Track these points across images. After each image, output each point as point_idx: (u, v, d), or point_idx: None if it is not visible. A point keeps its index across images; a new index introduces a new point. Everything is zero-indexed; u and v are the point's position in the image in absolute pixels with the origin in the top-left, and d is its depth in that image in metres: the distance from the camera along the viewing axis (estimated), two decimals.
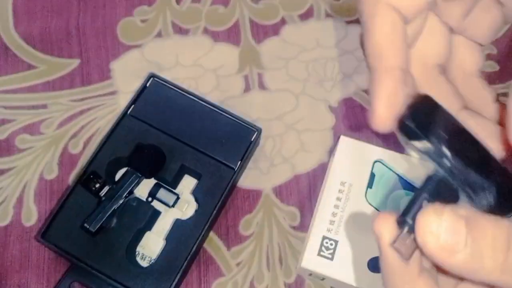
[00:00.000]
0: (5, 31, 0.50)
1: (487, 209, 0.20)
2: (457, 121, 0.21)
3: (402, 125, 0.21)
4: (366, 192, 0.41)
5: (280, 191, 0.46)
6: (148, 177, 0.42)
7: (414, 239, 0.20)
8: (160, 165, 0.42)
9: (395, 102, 0.21)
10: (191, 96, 0.45)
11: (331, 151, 0.47)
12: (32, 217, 0.44)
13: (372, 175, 0.42)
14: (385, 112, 0.21)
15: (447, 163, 0.20)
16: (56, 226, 0.40)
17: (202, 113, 0.45)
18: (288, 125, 0.48)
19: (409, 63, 0.22)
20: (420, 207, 0.20)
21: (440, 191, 0.21)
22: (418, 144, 0.21)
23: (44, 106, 0.47)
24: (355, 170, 0.42)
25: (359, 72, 0.51)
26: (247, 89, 0.49)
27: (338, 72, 0.50)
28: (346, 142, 0.43)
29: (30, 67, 0.49)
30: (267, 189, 0.46)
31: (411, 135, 0.21)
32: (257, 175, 0.46)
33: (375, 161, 0.42)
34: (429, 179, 0.21)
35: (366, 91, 0.50)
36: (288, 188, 0.46)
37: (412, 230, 0.20)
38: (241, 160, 0.43)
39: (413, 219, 0.20)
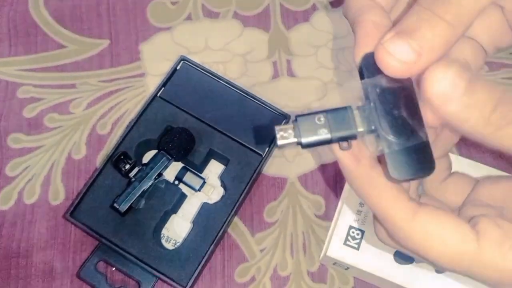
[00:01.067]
0: (35, 9, 0.50)
1: (388, 153, 0.23)
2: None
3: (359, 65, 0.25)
4: None
5: (306, 180, 0.45)
6: (178, 159, 0.42)
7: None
8: (190, 149, 0.42)
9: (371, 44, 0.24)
10: (220, 81, 0.45)
11: None
12: (59, 196, 0.44)
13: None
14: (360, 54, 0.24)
15: (375, 100, 0.24)
16: (85, 205, 0.41)
17: (231, 98, 0.45)
18: None
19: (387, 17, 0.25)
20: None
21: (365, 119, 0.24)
22: (363, 83, 0.25)
23: (73, 86, 0.47)
24: None
25: None
26: (275, 75, 0.49)
27: None
28: None
29: (59, 46, 0.49)
30: (293, 177, 0.46)
31: (360, 75, 0.25)
32: (282, 163, 0.46)
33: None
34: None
35: None
36: (314, 177, 0.46)
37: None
38: (269, 147, 0.43)
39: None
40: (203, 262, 0.40)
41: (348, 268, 0.41)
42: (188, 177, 0.43)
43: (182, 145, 0.42)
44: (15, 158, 0.45)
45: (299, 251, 0.43)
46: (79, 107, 0.47)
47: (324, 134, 0.25)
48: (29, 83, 0.48)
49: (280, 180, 0.45)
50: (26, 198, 0.44)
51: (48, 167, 0.45)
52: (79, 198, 0.41)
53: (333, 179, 0.45)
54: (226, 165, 0.44)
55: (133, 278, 0.40)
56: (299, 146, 0.25)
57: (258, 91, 0.47)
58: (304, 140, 0.25)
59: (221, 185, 0.44)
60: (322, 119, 0.25)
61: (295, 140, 0.25)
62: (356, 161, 0.24)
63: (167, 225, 0.42)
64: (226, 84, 0.45)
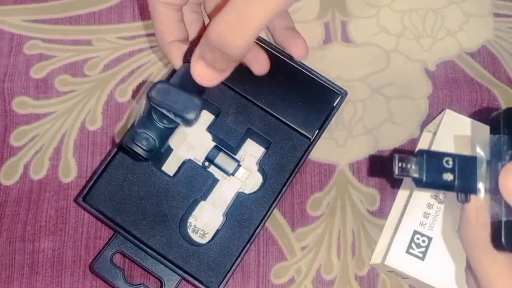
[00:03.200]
0: None
1: (506, 222, 0.24)
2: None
3: None
4: None
5: (359, 168, 0.38)
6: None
7: None
8: None
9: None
10: (262, 44, 0.37)
11: (424, 126, 0.39)
12: (70, 172, 0.38)
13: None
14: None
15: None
16: (100, 188, 0.35)
17: (276, 68, 0.37)
18: (374, 88, 0.40)
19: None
20: None
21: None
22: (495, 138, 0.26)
23: (88, 42, 0.40)
24: (460, 152, 0.34)
25: (466, 30, 0.41)
26: (327, 40, 0.41)
27: (440, 28, 0.41)
28: (451, 118, 0.35)
29: None
30: (342, 164, 0.39)
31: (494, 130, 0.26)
32: (331, 147, 0.39)
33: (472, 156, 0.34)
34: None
35: (472, 54, 0.41)
36: (369, 165, 0.39)
37: None
38: (319, 129, 0.36)
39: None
40: (237, 263, 0.34)
41: (407, 278, 0.34)
42: (221, 158, 0.37)
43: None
44: (21, 125, 0.39)
45: (347, 251, 0.37)
46: (95, 69, 0.40)
47: (448, 180, 0.24)
48: (37, 37, 0.40)
49: (328, 167, 0.39)
50: (33, 173, 0.38)
51: (59, 138, 0.38)
52: (93, 179, 0.35)
53: (391, 169, 0.38)
54: (266, 148, 0.37)
55: (154, 275, 0.35)
56: (412, 180, 0.24)
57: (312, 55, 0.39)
58: (426, 180, 0.24)
59: (258, 170, 0.37)
60: (451, 163, 0.24)
61: (416, 176, 0.24)
62: (476, 216, 0.25)
63: (195, 213, 0.36)
64: (268, 49, 0.37)
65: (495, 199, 0.24)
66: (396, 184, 0.38)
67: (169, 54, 0.32)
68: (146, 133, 0.31)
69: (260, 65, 0.33)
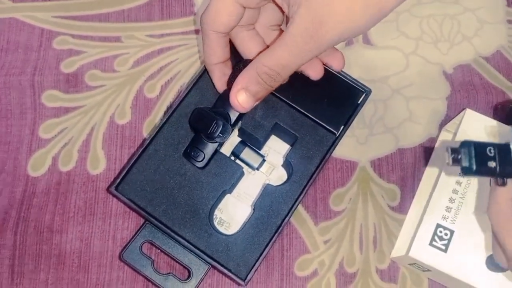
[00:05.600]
0: None
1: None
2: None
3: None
4: None
5: (380, 165, 0.40)
6: None
7: None
8: None
9: (221, 80, 0.36)
10: None
11: (442, 125, 0.41)
12: (99, 164, 0.39)
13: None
14: (221, 85, 0.36)
15: None
16: (132, 178, 0.35)
17: None
18: (394, 89, 0.41)
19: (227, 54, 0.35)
20: None
21: None
22: None
23: (117, 39, 0.41)
24: None
25: (480, 35, 0.43)
26: (349, 42, 0.43)
27: (457, 33, 0.43)
28: (472, 117, 0.37)
29: None
30: (364, 161, 0.40)
31: None
32: (353, 144, 0.40)
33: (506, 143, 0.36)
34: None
35: (487, 59, 0.43)
36: (389, 162, 0.40)
37: None
38: (344, 125, 0.37)
39: None
40: (265, 253, 0.35)
41: (428, 270, 0.35)
42: (247, 153, 0.38)
43: None
44: (51, 118, 0.39)
45: (369, 245, 0.38)
46: (125, 65, 0.41)
47: (492, 167, 0.27)
48: (67, 33, 0.41)
49: (350, 164, 0.40)
50: (62, 164, 0.38)
51: (88, 131, 0.39)
52: (126, 169, 0.35)
53: (411, 167, 0.40)
54: (291, 144, 0.38)
55: (182, 264, 0.35)
56: (460, 170, 0.27)
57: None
58: (475, 167, 0.27)
59: (282, 165, 0.38)
60: (493, 151, 0.27)
61: (466, 165, 0.27)
62: (510, 199, 0.28)
63: (221, 205, 0.37)
64: None
65: None
66: (416, 181, 0.39)
67: (211, 74, 0.35)
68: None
69: (317, 71, 0.35)
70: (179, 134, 0.36)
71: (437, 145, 0.40)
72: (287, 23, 0.34)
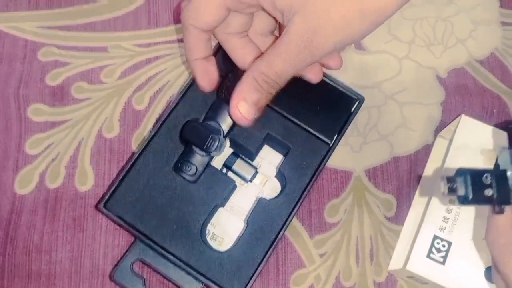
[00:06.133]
0: None
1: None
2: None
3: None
4: None
5: (375, 174, 0.39)
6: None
7: None
8: None
9: (204, 77, 0.33)
10: None
11: (438, 131, 0.40)
12: (87, 180, 0.38)
13: (497, 166, 0.35)
14: (203, 83, 0.33)
15: None
16: (121, 194, 0.34)
17: None
18: (387, 95, 0.41)
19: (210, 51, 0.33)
20: None
21: None
22: None
23: (104, 49, 0.40)
24: (477, 157, 0.35)
25: (474, 38, 0.42)
26: None
27: (450, 35, 0.42)
28: (468, 124, 0.36)
29: (88, 0, 0.41)
30: (359, 171, 0.39)
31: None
32: (347, 153, 0.39)
33: (502, 149, 0.35)
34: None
35: (481, 62, 0.42)
36: (385, 171, 0.39)
37: None
38: (338, 134, 0.36)
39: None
40: (259, 270, 0.34)
41: (427, 283, 0.35)
42: (239, 165, 0.37)
43: None
44: (37, 133, 0.38)
45: (366, 258, 0.37)
46: (112, 76, 0.39)
47: (489, 195, 0.26)
48: (52, 43, 0.40)
49: (344, 174, 0.39)
50: (49, 181, 0.37)
51: (75, 146, 0.38)
52: (114, 185, 0.34)
53: (406, 176, 0.39)
54: (284, 154, 0.37)
55: (174, 282, 0.34)
56: (457, 197, 0.26)
57: None
58: (472, 196, 0.26)
59: (275, 176, 0.37)
60: (490, 178, 0.27)
61: (463, 194, 0.26)
62: (510, 226, 0.27)
63: (213, 220, 0.36)
64: None
65: None
66: (412, 190, 0.39)
67: (193, 70, 0.34)
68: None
69: (316, 74, 0.34)
70: (168, 147, 0.35)
71: (433, 152, 0.39)
72: (280, 31, 0.33)
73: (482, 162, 0.35)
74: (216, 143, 0.34)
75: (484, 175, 0.27)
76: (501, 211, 0.27)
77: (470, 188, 0.26)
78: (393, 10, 0.29)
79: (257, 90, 0.30)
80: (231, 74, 0.35)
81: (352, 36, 0.29)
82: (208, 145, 0.34)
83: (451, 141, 0.36)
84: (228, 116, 0.35)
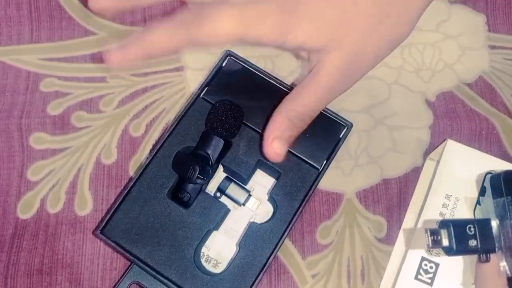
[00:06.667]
0: None
1: None
2: None
3: None
4: (475, 209, 0.35)
5: (365, 197, 0.40)
6: (229, 137, 0.38)
7: None
8: (239, 125, 0.38)
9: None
10: (272, 80, 0.39)
11: (427, 154, 0.41)
12: (86, 205, 0.39)
13: (483, 189, 0.36)
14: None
15: None
16: (117, 220, 0.36)
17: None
18: (377, 119, 0.42)
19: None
20: None
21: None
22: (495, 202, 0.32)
23: (102, 80, 0.42)
24: (463, 182, 0.36)
25: (462, 62, 0.43)
26: None
27: (438, 61, 0.43)
28: (453, 148, 0.37)
29: (87, 33, 0.43)
30: (350, 193, 0.40)
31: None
32: (338, 176, 0.40)
33: (488, 173, 0.36)
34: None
35: (470, 85, 0.43)
36: (375, 193, 0.40)
37: None
38: (327, 160, 0.38)
39: None
40: None
41: None
42: (232, 189, 0.38)
43: (230, 122, 0.37)
44: (38, 160, 0.40)
45: (357, 278, 0.38)
46: (110, 105, 0.41)
47: (473, 245, 0.27)
48: (53, 75, 0.42)
49: (335, 196, 0.40)
50: (50, 206, 0.39)
51: (75, 172, 0.40)
52: (111, 212, 0.36)
53: (396, 198, 0.40)
54: (276, 178, 0.38)
55: None
56: (442, 248, 0.28)
57: None
58: (456, 248, 0.27)
59: (268, 200, 0.38)
60: (473, 229, 0.27)
61: (447, 245, 0.27)
62: (497, 272, 0.27)
63: (208, 243, 0.37)
64: (279, 84, 0.39)
65: (510, 255, 0.27)
66: (402, 211, 0.39)
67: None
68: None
69: None
70: (163, 174, 0.37)
71: (422, 175, 0.40)
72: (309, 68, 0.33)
73: (468, 186, 0.36)
74: (196, 173, 0.35)
75: (468, 226, 0.27)
76: (487, 260, 0.27)
77: (453, 240, 0.27)
78: (407, 36, 0.32)
79: (290, 128, 0.31)
80: (219, 103, 0.37)
81: (376, 64, 0.31)
82: (190, 175, 0.36)
83: (438, 162, 0.37)
84: (217, 144, 0.36)
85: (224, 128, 0.37)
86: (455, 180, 0.36)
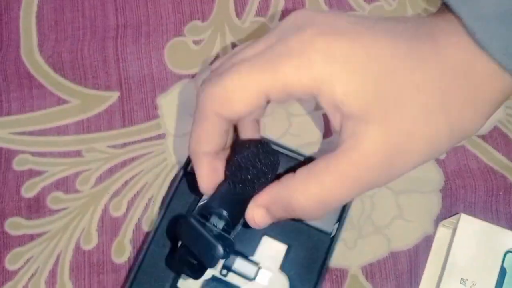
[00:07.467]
0: (28, 54, 0.41)
1: None
2: None
3: None
4: None
5: (372, 272, 0.36)
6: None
7: None
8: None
9: (210, 177, 0.28)
10: (280, 149, 0.35)
11: (438, 221, 0.37)
12: None
13: (503, 271, 0.32)
14: (205, 185, 0.29)
15: None
16: None
17: (283, 165, 0.34)
18: None
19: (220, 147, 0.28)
20: None
21: None
22: None
23: (78, 154, 0.39)
24: (480, 263, 0.32)
25: None
26: (327, 133, 0.39)
27: None
28: (467, 224, 0.33)
29: (59, 101, 0.40)
30: (354, 268, 0.36)
31: None
32: (341, 249, 0.37)
33: (507, 252, 0.32)
34: None
35: (483, 137, 0.38)
36: (382, 268, 0.36)
37: None
38: (338, 222, 0.34)
39: None
40: None
41: None
42: (239, 264, 0.34)
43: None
44: (15, 247, 0.37)
45: None
46: (87, 184, 0.38)
47: None
48: (26, 150, 0.39)
49: (339, 273, 0.36)
50: None
51: (54, 260, 0.37)
52: None
53: (406, 273, 0.36)
54: (286, 243, 0.34)
55: None
56: None
57: (309, 153, 0.37)
58: None
59: (279, 269, 0.35)
60: None
61: None
62: None
63: None
64: (275, 146, 0.35)
65: None
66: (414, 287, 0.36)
67: (197, 166, 0.28)
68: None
69: None
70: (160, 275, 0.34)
71: (435, 243, 0.36)
72: (326, 134, 0.27)
73: (485, 268, 0.32)
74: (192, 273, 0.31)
75: None
76: None
77: None
78: (477, 128, 0.25)
79: (286, 213, 0.27)
80: (233, 155, 0.30)
81: (434, 156, 0.25)
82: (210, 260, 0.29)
83: (454, 230, 0.33)
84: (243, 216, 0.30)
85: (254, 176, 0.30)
86: (471, 261, 0.32)
